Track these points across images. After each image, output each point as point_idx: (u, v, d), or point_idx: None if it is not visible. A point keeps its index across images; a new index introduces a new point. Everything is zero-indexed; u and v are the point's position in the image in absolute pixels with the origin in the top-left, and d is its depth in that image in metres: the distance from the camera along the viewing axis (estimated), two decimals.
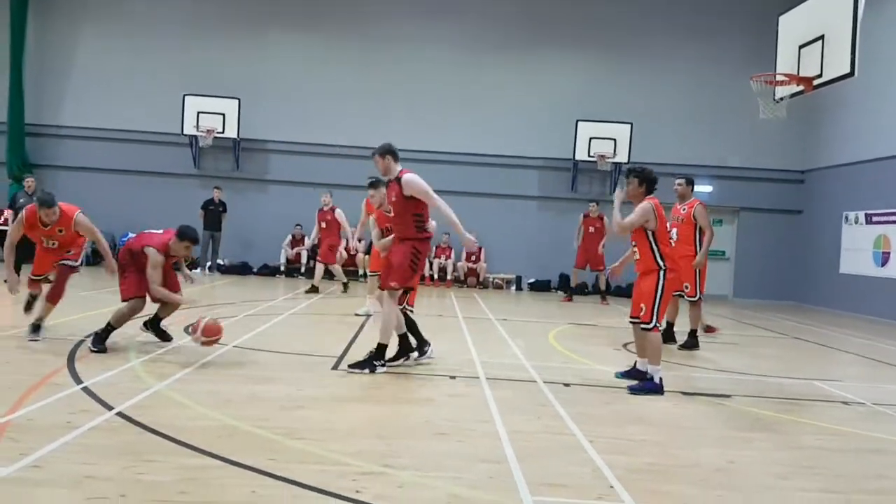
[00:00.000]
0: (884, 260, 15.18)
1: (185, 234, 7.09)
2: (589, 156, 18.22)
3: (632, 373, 6.83)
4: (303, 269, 17.72)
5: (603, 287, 15.59)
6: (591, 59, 18.86)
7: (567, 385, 6.51)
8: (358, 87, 18.53)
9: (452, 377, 6.58)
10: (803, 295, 18.13)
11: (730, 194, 18.62)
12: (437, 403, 5.65)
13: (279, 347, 7.58)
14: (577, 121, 18.20)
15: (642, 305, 6.51)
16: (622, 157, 18.08)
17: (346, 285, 14.15)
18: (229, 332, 8.10)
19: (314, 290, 13.75)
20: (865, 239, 15.87)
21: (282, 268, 17.91)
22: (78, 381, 5.54)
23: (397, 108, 18.51)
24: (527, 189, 18.64)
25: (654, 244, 6.55)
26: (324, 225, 13.97)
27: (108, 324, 6.85)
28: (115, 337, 7.11)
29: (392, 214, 6.94)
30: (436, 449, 4.46)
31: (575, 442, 4.78)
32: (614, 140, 18.15)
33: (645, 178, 6.68)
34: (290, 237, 17.96)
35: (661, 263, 6.53)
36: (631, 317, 6.77)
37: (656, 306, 6.44)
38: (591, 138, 18.17)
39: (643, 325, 6.51)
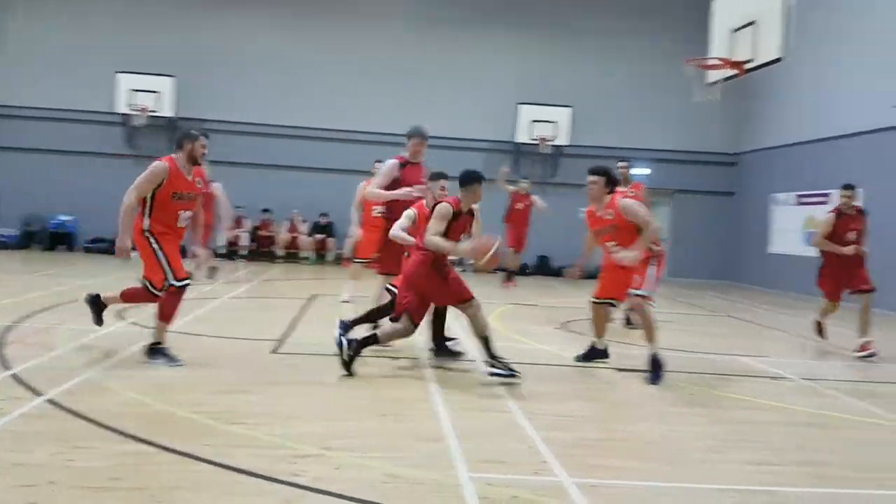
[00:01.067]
0: (812, 239, 15.71)
1: (470, 177, 6.02)
2: (531, 139, 18.37)
3: (590, 354, 6.85)
4: (244, 253, 17.47)
5: (512, 268, 15.29)
6: (531, 42, 18.95)
7: (513, 362, 6.57)
8: (299, 65, 18.21)
9: (395, 358, 6.59)
10: (735, 274, 18.69)
11: (665, 177, 18.97)
12: (378, 385, 5.65)
13: (217, 332, 7.45)
14: (518, 104, 18.30)
15: (636, 277, 6.28)
16: (563, 141, 18.28)
17: (213, 269, 12.27)
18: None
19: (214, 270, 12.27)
20: (794, 219, 16.42)
21: (219, 251, 17.58)
22: (6, 367, 5.35)
23: (339, 88, 18.28)
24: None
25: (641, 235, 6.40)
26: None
27: (375, 336, 5.98)
28: (47, 322, 6.88)
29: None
30: (375, 429, 4.47)
31: (514, 419, 4.84)
32: (555, 123, 18.32)
33: (611, 177, 6.50)
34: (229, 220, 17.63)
35: (652, 249, 6.36)
36: (596, 297, 6.70)
37: (650, 278, 6.29)
38: (532, 121, 18.31)
39: (636, 292, 6.26)
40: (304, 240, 17.76)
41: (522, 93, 18.47)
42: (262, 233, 17.74)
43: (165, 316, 5.89)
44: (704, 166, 19.15)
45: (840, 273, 8.40)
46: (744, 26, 9.61)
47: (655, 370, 6.21)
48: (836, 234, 8.39)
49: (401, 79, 18.43)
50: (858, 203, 8.67)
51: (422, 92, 18.36)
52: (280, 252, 17.76)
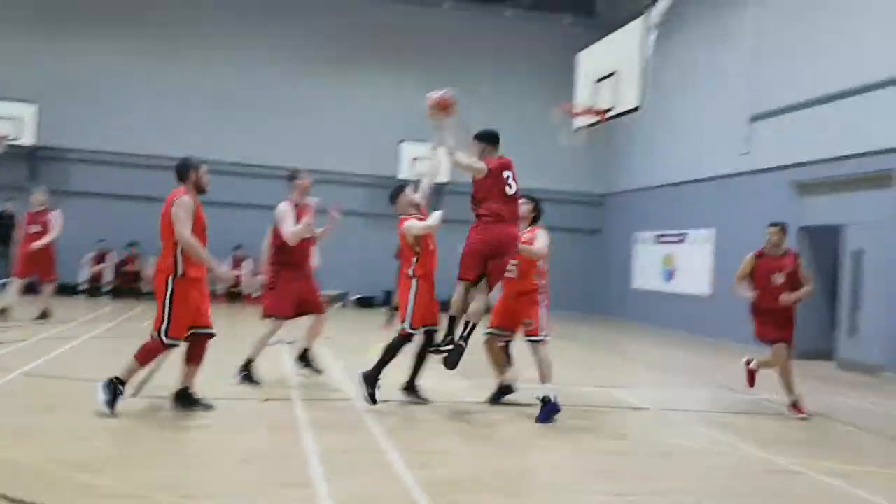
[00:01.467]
0: (670, 276, 16.77)
1: (487, 134, 7.10)
2: (413, 176, 18.59)
3: (498, 394, 6.81)
4: (106, 289, 16.65)
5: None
6: (412, 81, 19.27)
7: (383, 402, 6.57)
8: (171, 96, 17.64)
9: (265, 400, 6.46)
10: (601, 308, 19.57)
11: None
12: (245, 428, 5.52)
13: (74, 374, 7.05)
14: (400, 141, 18.56)
15: (530, 320, 6.41)
16: (444, 178, 18.64)
17: (45, 313, 11.15)
18: (19, 358, 7.45)
19: (4, 313, 10.80)
20: (654, 257, 17.46)
21: (82, 287, 16.67)
22: None
23: (217, 118, 17.80)
24: (353, 205, 18.57)
25: (538, 268, 6.61)
26: (34, 229, 11.11)
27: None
28: None
29: None
30: (239, 475, 4.37)
31: (384, 458, 4.86)
32: (434, 161, 18.66)
33: (539, 207, 7.02)
34: (92, 253, 16.77)
35: (539, 284, 6.57)
36: (488, 326, 6.71)
37: (543, 320, 6.42)
38: (414, 158, 18.59)
39: (533, 339, 6.38)
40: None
41: (404, 130, 18.71)
42: (128, 268, 16.94)
43: (142, 358, 5.61)
44: (572, 205, 20.02)
45: (767, 319, 7.37)
46: (606, 77, 10.21)
47: (547, 410, 6.17)
48: (758, 275, 7.43)
49: (283, 113, 18.26)
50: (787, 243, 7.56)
51: (305, 126, 18.30)
52: (147, 288, 16.94)
